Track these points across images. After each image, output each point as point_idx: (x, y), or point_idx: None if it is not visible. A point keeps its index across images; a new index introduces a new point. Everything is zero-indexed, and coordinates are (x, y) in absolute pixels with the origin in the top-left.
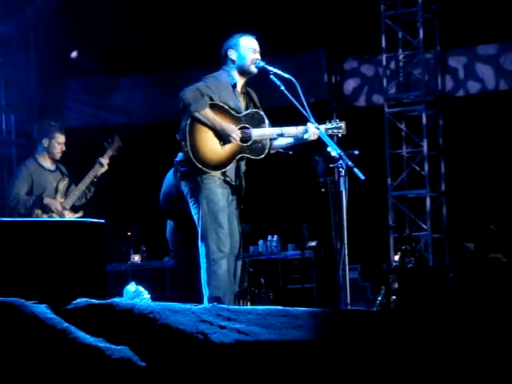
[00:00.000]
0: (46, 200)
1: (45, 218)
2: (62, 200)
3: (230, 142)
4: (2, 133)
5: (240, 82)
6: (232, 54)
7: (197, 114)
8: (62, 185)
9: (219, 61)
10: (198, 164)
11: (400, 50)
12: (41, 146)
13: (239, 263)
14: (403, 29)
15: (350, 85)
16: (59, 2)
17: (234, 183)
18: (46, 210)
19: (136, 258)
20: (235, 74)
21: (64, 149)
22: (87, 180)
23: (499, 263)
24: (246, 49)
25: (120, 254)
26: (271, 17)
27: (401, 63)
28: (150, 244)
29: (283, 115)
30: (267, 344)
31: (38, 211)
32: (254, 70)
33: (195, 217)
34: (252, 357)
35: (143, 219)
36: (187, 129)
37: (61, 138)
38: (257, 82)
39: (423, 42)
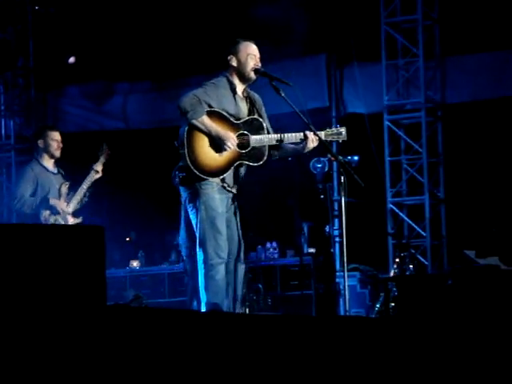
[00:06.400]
0: (52, 201)
1: (51, 219)
2: (65, 203)
3: (226, 149)
4: (1, 138)
5: (240, 86)
6: (232, 60)
7: (194, 121)
8: (65, 188)
9: (218, 67)
10: (196, 171)
11: (400, 57)
12: (39, 149)
13: (241, 267)
14: (403, 36)
15: (350, 92)
16: (58, 8)
17: (232, 189)
18: (53, 211)
19: (134, 263)
20: (235, 79)
21: (61, 145)
22: (84, 186)
23: (497, 271)
24: (246, 55)
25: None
26: (272, 23)
27: (400, 70)
28: (148, 250)
29: (284, 122)
30: None
31: (46, 212)
32: (253, 76)
33: (193, 222)
34: None
35: (141, 225)
36: (185, 136)
37: (53, 135)
38: (258, 89)
39: (423, 49)
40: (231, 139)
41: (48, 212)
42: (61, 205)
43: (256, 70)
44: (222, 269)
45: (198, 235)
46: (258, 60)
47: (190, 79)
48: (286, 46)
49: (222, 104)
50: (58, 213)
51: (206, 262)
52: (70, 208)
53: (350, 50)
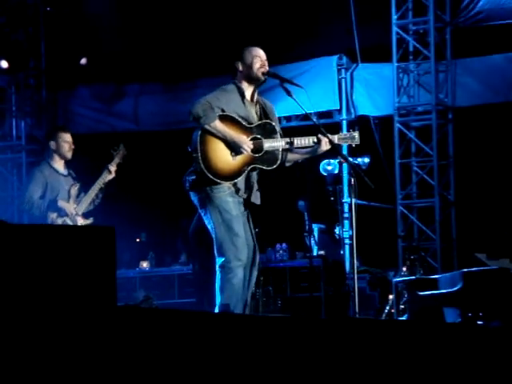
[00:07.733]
0: (61, 203)
1: (59, 221)
2: (75, 205)
3: (241, 153)
4: (13, 139)
5: (249, 90)
6: (239, 65)
7: (207, 127)
8: (74, 190)
9: (228, 70)
10: (209, 175)
11: (411, 60)
12: (50, 150)
13: (255, 273)
14: (414, 38)
15: (361, 94)
16: (69, 9)
17: (243, 193)
18: (61, 213)
19: (144, 264)
20: (244, 83)
21: (73, 146)
22: (96, 187)
23: (509, 273)
24: (251, 57)
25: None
26: (282, 25)
27: (411, 72)
28: (158, 251)
29: (294, 124)
30: None
31: (53, 215)
32: (261, 76)
33: (209, 226)
34: None
35: (152, 226)
36: (198, 140)
37: (65, 137)
38: (268, 91)
39: (434, 51)
40: (247, 142)
41: (55, 214)
42: (69, 207)
43: (267, 72)
44: (240, 272)
45: (215, 239)
46: (265, 62)
47: (201, 81)
48: (296, 48)
49: (233, 108)
50: (67, 214)
51: (224, 265)
52: (80, 209)
53: (360, 52)
